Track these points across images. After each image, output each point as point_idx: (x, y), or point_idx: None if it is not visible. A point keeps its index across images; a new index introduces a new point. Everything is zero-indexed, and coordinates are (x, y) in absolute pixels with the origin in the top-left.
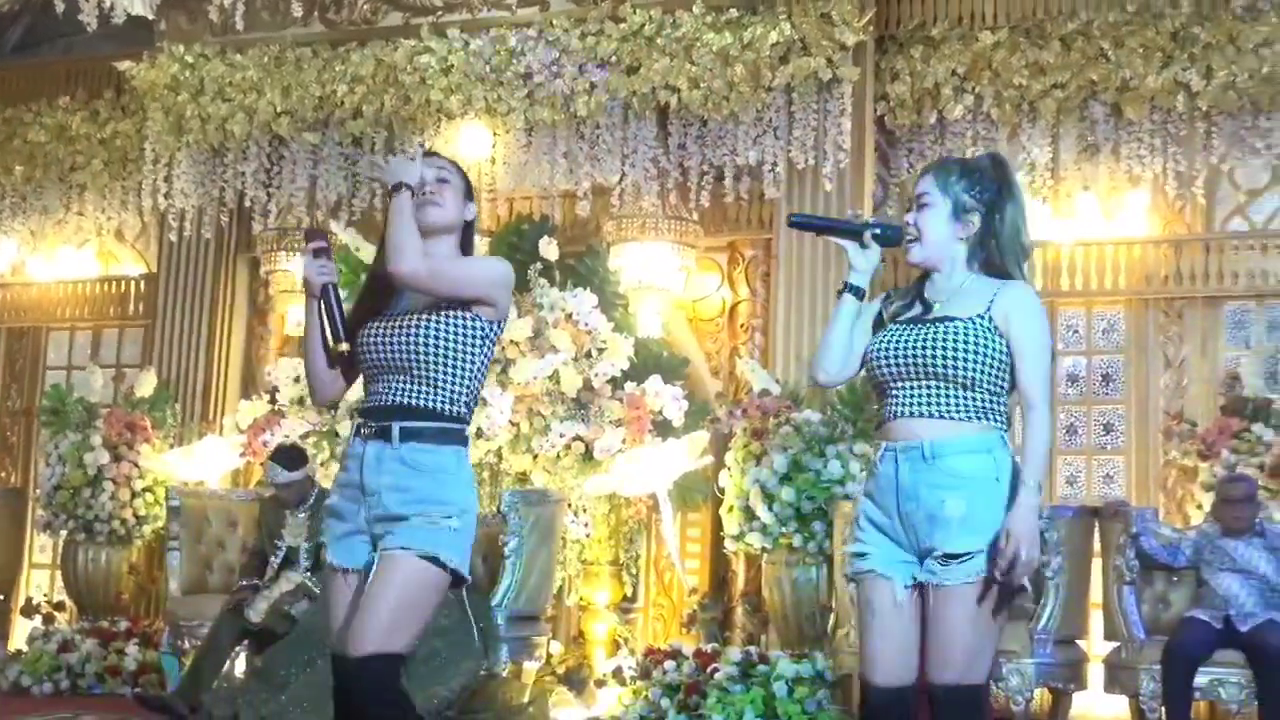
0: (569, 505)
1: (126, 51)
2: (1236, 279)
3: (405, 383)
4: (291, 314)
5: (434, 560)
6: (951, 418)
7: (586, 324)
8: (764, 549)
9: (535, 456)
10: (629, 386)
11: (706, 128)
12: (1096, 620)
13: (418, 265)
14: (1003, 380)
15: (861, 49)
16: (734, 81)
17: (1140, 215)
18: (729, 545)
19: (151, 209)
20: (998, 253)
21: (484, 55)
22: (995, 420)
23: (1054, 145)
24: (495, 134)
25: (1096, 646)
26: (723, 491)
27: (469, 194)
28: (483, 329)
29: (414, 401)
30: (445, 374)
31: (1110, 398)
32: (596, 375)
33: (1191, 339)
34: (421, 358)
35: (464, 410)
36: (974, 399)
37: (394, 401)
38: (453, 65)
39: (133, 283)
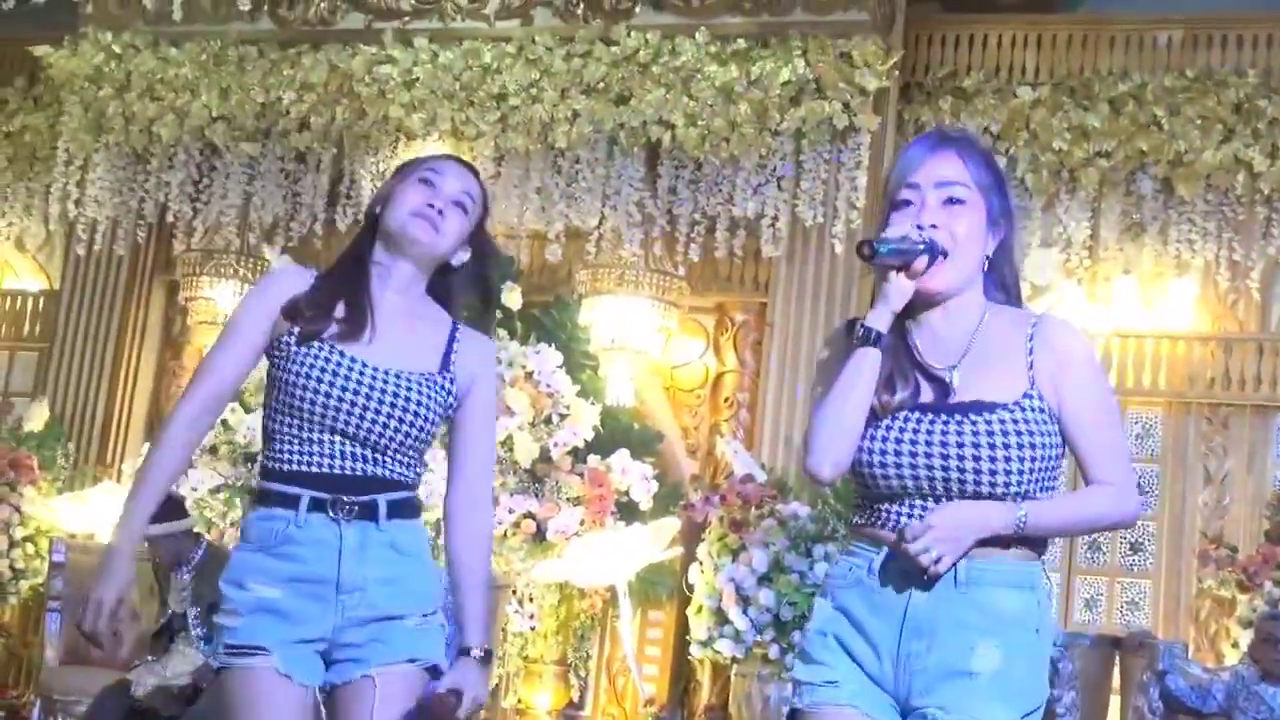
0: (513, 592)
1: (44, 34)
2: None
3: (375, 454)
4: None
5: (433, 671)
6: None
7: (548, 385)
8: (734, 659)
9: None
10: (592, 460)
11: (701, 171)
12: None
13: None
14: (1055, 480)
15: (884, 96)
16: (737, 121)
17: (1187, 307)
18: (694, 651)
19: (59, 216)
20: (1010, 275)
21: (454, 70)
22: (1038, 542)
23: (1094, 221)
24: None
25: None
26: (691, 589)
27: (473, 235)
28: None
29: (390, 475)
30: (423, 446)
31: (1140, 513)
32: (556, 445)
33: (1237, 452)
34: (408, 433)
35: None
36: None
37: (367, 472)
38: (417, 78)
39: (30, 299)
